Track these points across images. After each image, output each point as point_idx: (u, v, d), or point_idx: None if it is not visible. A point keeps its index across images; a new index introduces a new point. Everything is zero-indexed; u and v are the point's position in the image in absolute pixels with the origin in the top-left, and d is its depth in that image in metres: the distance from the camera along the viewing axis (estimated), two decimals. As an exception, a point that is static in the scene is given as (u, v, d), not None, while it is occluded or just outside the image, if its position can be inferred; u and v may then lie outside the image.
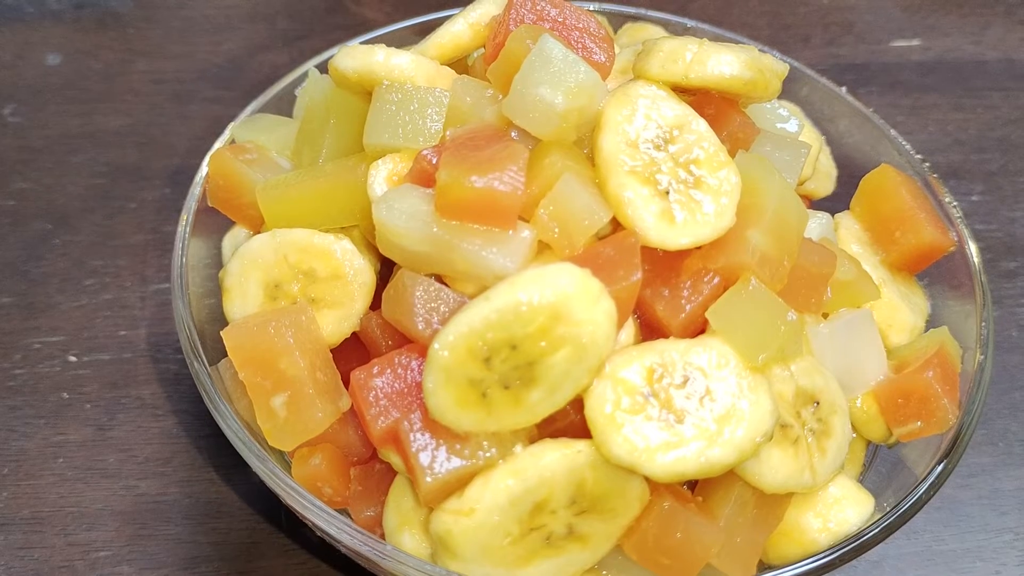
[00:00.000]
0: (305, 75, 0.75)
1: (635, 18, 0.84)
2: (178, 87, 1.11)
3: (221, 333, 0.58)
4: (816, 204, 0.78)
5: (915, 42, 1.23)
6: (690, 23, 0.84)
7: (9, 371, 0.84)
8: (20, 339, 0.87)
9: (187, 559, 0.74)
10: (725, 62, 0.58)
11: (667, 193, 0.56)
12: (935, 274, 0.72)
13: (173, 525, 0.76)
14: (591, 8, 0.84)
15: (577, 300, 0.51)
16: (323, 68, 0.76)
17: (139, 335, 0.88)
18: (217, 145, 0.74)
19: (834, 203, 0.79)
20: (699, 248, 0.56)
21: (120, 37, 1.17)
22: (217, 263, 0.74)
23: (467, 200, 0.53)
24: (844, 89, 0.80)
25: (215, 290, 0.69)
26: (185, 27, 1.19)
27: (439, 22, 0.79)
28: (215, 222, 0.73)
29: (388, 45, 0.74)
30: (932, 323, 0.70)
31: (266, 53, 1.16)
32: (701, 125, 0.58)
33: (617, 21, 0.84)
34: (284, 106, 0.79)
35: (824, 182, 0.76)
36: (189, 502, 0.77)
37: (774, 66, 0.61)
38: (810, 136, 0.74)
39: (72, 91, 1.10)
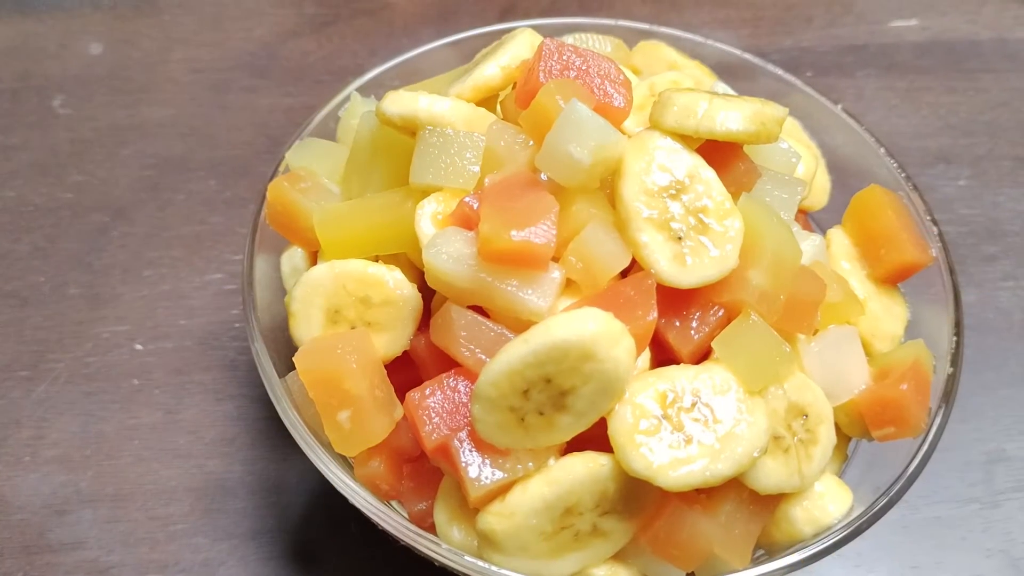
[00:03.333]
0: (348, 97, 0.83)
1: (648, 34, 0.91)
2: (215, 76, 1.18)
3: (293, 359, 0.67)
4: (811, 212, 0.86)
5: (913, 22, 1.29)
6: (698, 39, 0.91)
7: (83, 359, 0.94)
8: (90, 328, 0.96)
9: (252, 531, 0.84)
10: (732, 119, 0.65)
11: (679, 239, 0.64)
12: (915, 283, 0.80)
13: (239, 500, 0.86)
14: (607, 23, 0.91)
15: (602, 341, 0.59)
16: (361, 90, 0.84)
17: (197, 324, 0.97)
18: (281, 153, 0.81)
19: (831, 205, 0.87)
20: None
21: (157, 24, 1.23)
22: (275, 267, 0.82)
23: (506, 250, 0.62)
24: (840, 107, 0.87)
25: (273, 301, 0.78)
26: (217, 13, 1.25)
27: (468, 40, 0.86)
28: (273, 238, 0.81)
29: (422, 61, 0.82)
30: (911, 326, 0.79)
31: (296, 39, 1.22)
32: (710, 174, 0.66)
33: (631, 38, 0.90)
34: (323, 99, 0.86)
35: (820, 196, 0.84)
36: (252, 479, 0.87)
37: (775, 114, 0.68)
38: (808, 156, 0.81)
39: (116, 81, 1.17)
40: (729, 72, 0.90)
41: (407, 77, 0.88)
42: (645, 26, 0.91)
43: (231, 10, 1.26)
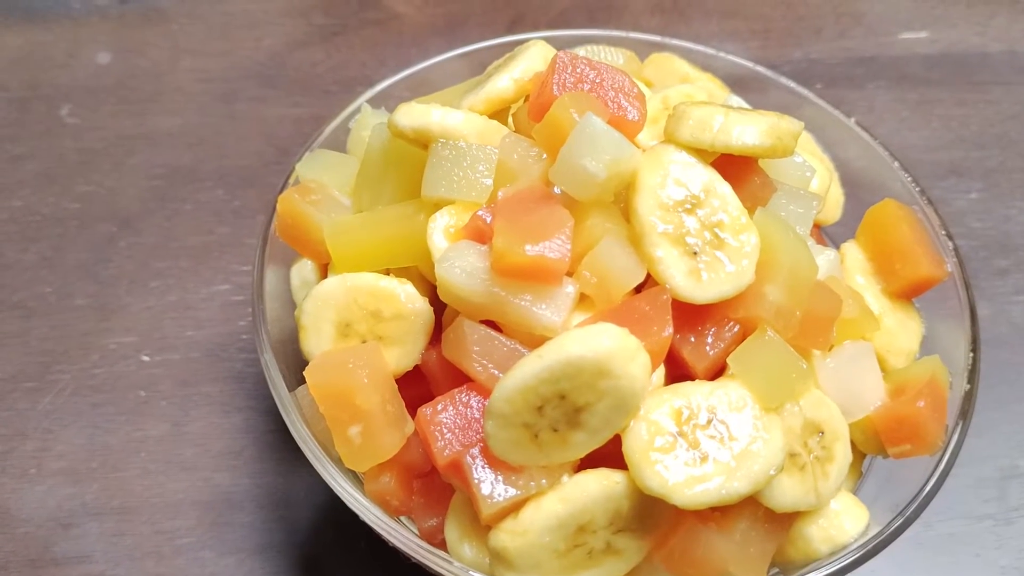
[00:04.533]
0: (358, 109, 0.83)
1: (660, 47, 0.90)
2: (224, 86, 1.17)
3: (304, 373, 0.66)
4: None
5: (923, 34, 1.28)
6: (710, 51, 0.90)
7: (89, 370, 0.93)
8: (97, 340, 0.95)
9: (259, 545, 0.83)
10: (748, 133, 0.65)
11: (695, 254, 0.63)
12: (930, 297, 0.80)
13: (246, 514, 0.85)
14: (618, 36, 0.91)
15: (617, 357, 0.59)
16: (371, 101, 0.83)
17: (204, 335, 0.96)
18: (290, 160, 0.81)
19: (843, 219, 0.86)
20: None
21: (165, 34, 1.23)
22: (284, 279, 0.81)
23: (521, 265, 0.61)
24: (854, 120, 0.86)
25: (282, 313, 0.77)
26: (226, 23, 1.25)
27: (479, 52, 0.86)
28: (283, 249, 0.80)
29: (432, 72, 0.81)
30: (927, 341, 0.78)
31: (304, 49, 1.22)
32: (725, 189, 0.65)
33: (643, 50, 0.90)
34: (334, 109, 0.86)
35: (833, 210, 0.83)
36: (259, 493, 0.86)
37: (791, 128, 0.67)
38: (822, 170, 0.81)
39: (123, 91, 1.16)
40: (740, 84, 0.90)
41: (416, 88, 0.87)
42: (657, 38, 0.91)
43: (239, 20, 1.25)
